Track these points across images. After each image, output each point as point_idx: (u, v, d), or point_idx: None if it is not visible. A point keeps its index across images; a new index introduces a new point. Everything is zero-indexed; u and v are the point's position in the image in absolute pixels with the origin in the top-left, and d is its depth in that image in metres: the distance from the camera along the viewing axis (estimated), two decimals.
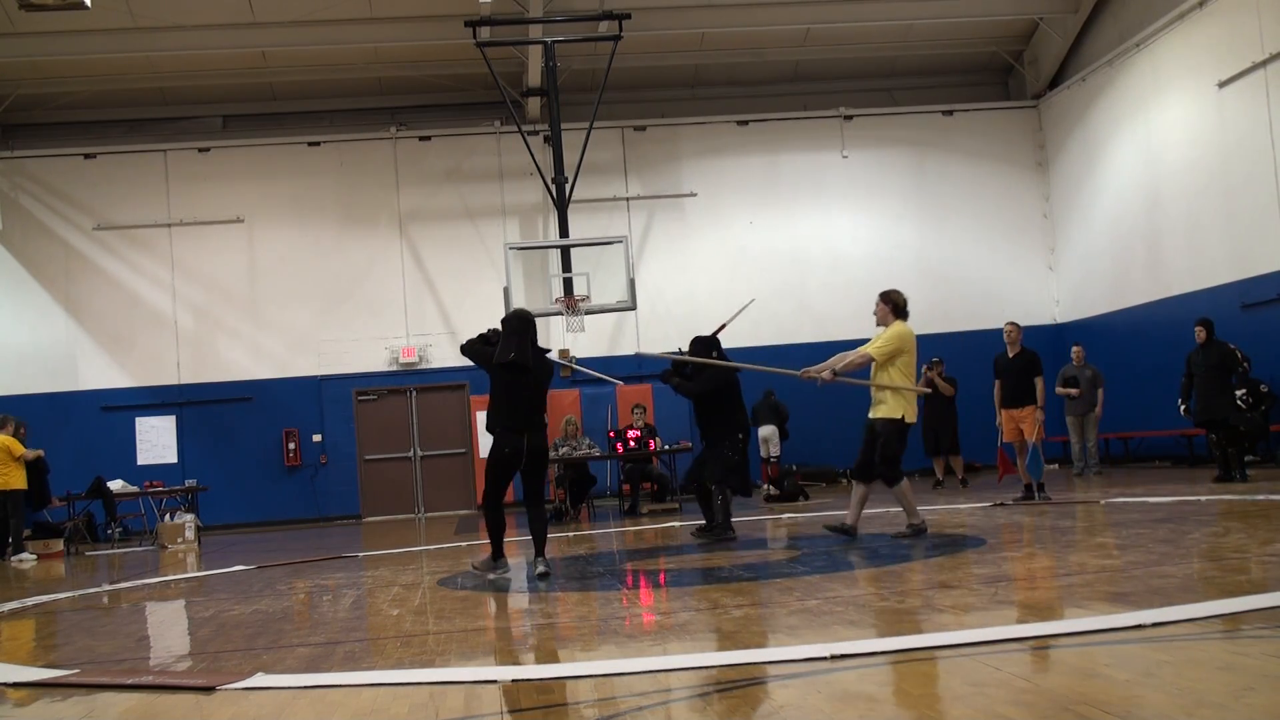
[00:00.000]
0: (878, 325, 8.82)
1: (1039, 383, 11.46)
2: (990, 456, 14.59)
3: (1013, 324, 11.95)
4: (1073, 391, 15.25)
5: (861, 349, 8.58)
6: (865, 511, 11.72)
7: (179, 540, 14.93)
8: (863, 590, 6.00)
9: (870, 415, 8.65)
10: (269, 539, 15.37)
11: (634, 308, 16.64)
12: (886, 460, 8.49)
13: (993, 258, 19.66)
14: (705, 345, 9.95)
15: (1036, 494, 11.30)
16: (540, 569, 7.60)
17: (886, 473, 8.54)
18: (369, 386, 18.72)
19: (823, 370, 8.70)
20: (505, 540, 8.00)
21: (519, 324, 7.88)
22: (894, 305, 8.67)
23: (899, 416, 8.47)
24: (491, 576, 7.78)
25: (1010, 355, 11.72)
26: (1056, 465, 16.71)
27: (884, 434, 8.48)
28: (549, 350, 8.15)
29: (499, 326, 8.12)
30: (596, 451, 15.63)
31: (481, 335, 8.09)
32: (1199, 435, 14.51)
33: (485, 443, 18.49)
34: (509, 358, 7.65)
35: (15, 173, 18.57)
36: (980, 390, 15.06)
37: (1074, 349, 15.79)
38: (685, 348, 10.27)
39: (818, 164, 19.57)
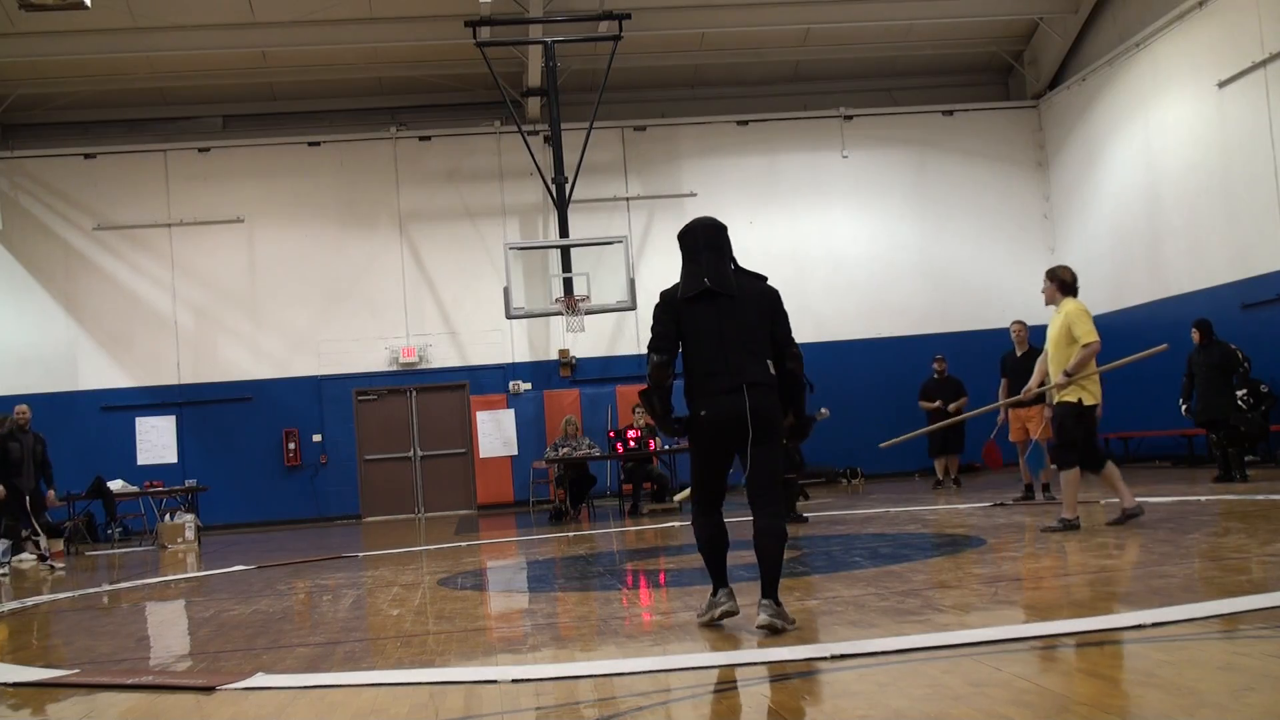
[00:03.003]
0: (1047, 305, 8.56)
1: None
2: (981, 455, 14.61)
3: (1020, 323, 11.88)
4: None
5: (1084, 343, 8.06)
6: (866, 511, 11.76)
7: (179, 540, 14.94)
8: (863, 590, 6.00)
9: (1055, 400, 8.38)
10: (269, 539, 15.37)
11: (634, 308, 16.62)
12: (1064, 444, 8.25)
13: (993, 258, 19.65)
14: None
15: (1041, 493, 11.29)
16: (763, 618, 4.82)
17: (1061, 456, 8.28)
18: (369, 386, 18.71)
19: (1055, 382, 8.23)
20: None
21: (708, 235, 5.28)
22: (1061, 283, 8.45)
23: (1077, 400, 8.19)
24: (715, 615, 5.16)
25: (1019, 354, 11.67)
26: (1056, 467, 16.69)
27: (1062, 415, 8.23)
28: (765, 276, 5.35)
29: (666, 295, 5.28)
30: (596, 451, 15.63)
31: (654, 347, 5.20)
32: (1199, 435, 14.51)
33: (485, 442, 18.57)
34: (702, 286, 5.11)
35: (15, 173, 18.56)
36: (980, 389, 15.07)
37: None
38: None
39: (818, 164, 19.57)
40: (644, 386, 5.28)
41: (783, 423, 5.15)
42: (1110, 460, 8.40)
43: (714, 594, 5.18)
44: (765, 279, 5.32)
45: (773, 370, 5.11)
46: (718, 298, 5.09)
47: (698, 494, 5.20)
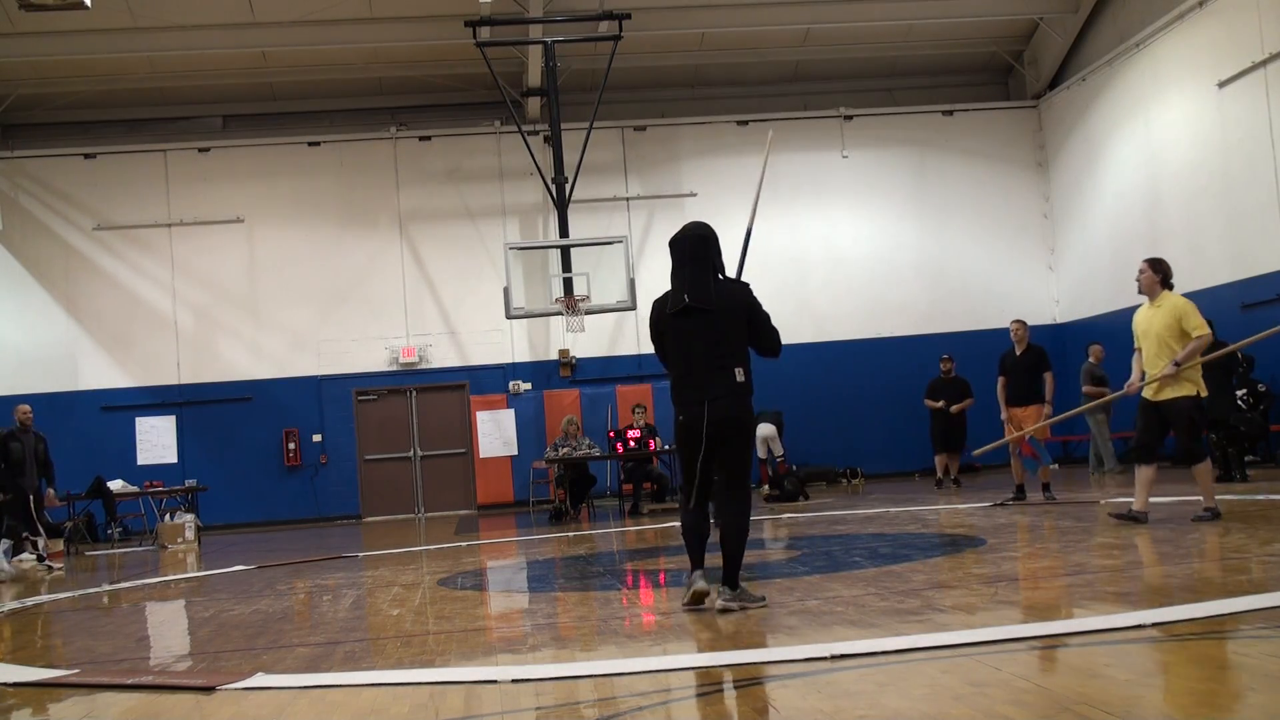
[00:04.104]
0: (1141, 293, 8.41)
1: (1049, 379, 11.34)
2: (993, 456, 14.58)
3: (1019, 321, 11.82)
4: (1107, 390, 15.16)
5: (1195, 335, 7.96)
6: (868, 511, 11.76)
7: (179, 540, 14.93)
8: (863, 590, 6.00)
9: (1154, 397, 8.16)
10: (269, 539, 15.37)
11: (634, 308, 16.63)
12: (1194, 438, 8.10)
13: (993, 258, 19.66)
14: None
15: (1043, 493, 11.26)
16: (720, 603, 5.40)
17: (1193, 450, 8.13)
18: (369, 386, 18.72)
19: (1162, 373, 8.05)
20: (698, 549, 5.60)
21: (692, 247, 5.66)
22: (1165, 275, 8.31)
23: (1195, 393, 8.06)
24: (688, 596, 5.58)
25: (1018, 353, 11.62)
26: (1056, 466, 16.69)
27: (1184, 411, 8.03)
28: (745, 284, 5.72)
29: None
30: (596, 451, 15.63)
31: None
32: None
33: (485, 442, 18.59)
34: (682, 303, 5.55)
35: (15, 173, 18.56)
36: (981, 389, 15.07)
37: (1094, 347, 15.68)
38: None
39: (818, 164, 19.57)
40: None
41: (752, 427, 5.63)
42: (1156, 465, 8.29)
43: (690, 573, 5.64)
44: (746, 285, 5.72)
45: (740, 377, 5.52)
46: (694, 313, 5.54)
47: (686, 487, 5.69)
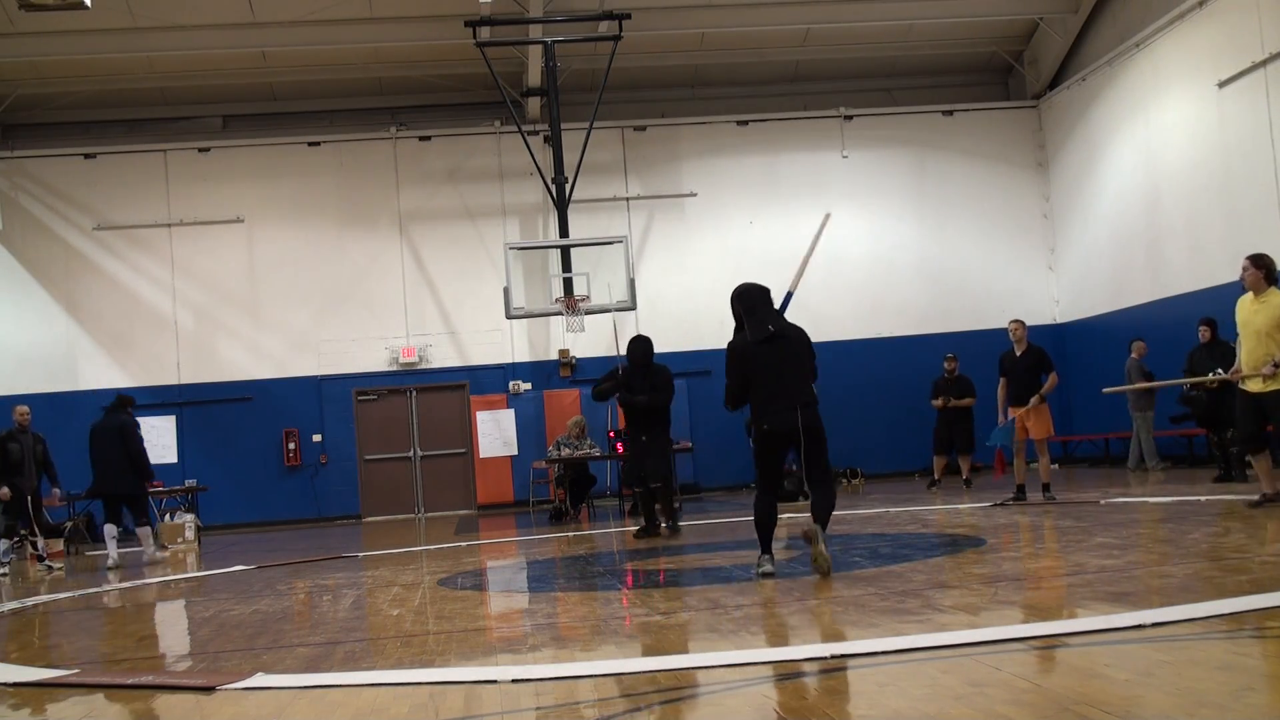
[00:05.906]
0: (1247, 289, 8.54)
1: (1053, 378, 11.30)
2: (988, 456, 14.57)
3: (1018, 321, 11.73)
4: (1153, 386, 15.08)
5: None
6: (868, 511, 11.77)
7: (179, 540, 14.93)
8: (863, 590, 6.00)
9: (1254, 388, 8.34)
10: (269, 539, 15.37)
11: (634, 308, 16.63)
12: None
13: (993, 258, 19.66)
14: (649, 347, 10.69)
15: (1043, 493, 11.24)
16: (823, 547, 6.64)
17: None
18: (369, 386, 18.72)
19: (1264, 366, 8.25)
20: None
21: (762, 294, 7.05)
22: (1268, 271, 8.43)
23: None
24: (758, 573, 6.73)
25: (1017, 353, 11.55)
26: (1057, 465, 16.69)
27: None
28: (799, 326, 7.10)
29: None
30: (597, 451, 15.63)
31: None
32: (1199, 435, 14.50)
33: (485, 442, 18.60)
34: (766, 333, 6.82)
35: (15, 173, 18.56)
36: (983, 390, 15.06)
37: (1137, 344, 15.46)
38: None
39: (818, 164, 19.57)
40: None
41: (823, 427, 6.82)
42: (1268, 450, 8.51)
43: (760, 556, 6.76)
44: (803, 329, 7.05)
45: (815, 393, 6.81)
46: (775, 340, 6.81)
47: (761, 481, 6.93)
